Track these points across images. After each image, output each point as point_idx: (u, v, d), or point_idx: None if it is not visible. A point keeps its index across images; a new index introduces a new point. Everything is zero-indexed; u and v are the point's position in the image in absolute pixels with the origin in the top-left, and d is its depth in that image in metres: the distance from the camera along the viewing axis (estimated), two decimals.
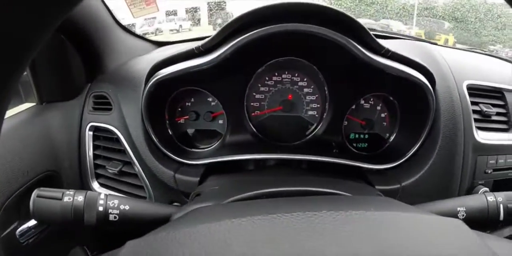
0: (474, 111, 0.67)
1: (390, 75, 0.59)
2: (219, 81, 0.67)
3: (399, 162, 0.64)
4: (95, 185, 0.73)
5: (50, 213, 0.41)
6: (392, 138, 0.71)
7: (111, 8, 0.82)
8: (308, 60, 0.67)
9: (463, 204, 0.47)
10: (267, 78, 0.71)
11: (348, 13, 0.52)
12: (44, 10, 0.16)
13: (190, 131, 0.74)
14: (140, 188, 0.68)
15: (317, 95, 0.71)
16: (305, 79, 0.71)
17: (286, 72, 0.71)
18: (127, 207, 0.43)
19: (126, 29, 0.87)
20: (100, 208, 0.42)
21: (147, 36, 1.01)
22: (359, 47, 0.54)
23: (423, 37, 1.69)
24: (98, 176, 0.73)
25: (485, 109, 0.69)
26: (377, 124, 0.73)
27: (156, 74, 0.62)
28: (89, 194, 0.43)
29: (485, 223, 0.47)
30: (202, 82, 0.68)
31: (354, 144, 0.73)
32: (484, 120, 0.69)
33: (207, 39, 0.58)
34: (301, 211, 0.29)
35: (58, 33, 0.72)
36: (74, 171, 0.73)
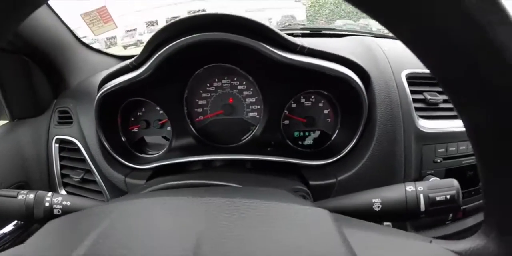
0: (417, 100, 0.66)
1: (315, 72, 0.60)
2: (159, 91, 0.71)
3: (336, 158, 0.64)
4: (63, 193, 0.79)
5: (7, 209, 0.48)
6: (335, 134, 0.72)
7: (72, 27, 0.89)
8: (235, 65, 0.69)
9: (379, 195, 0.45)
10: (208, 84, 0.74)
11: (257, 19, 0.54)
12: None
13: (145, 138, 0.79)
14: (100, 193, 0.74)
15: (256, 97, 0.73)
16: (244, 83, 0.73)
17: (226, 77, 0.74)
18: (68, 203, 0.49)
19: (89, 46, 0.93)
20: (47, 204, 0.48)
21: (129, 48, 1.07)
22: (269, 47, 0.55)
23: None
24: (65, 185, 0.80)
25: (429, 97, 0.67)
26: (321, 121, 0.73)
27: (101, 87, 0.68)
28: (38, 193, 0.49)
29: (405, 215, 0.46)
30: (145, 93, 0.72)
31: (300, 142, 0.74)
32: (430, 108, 0.68)
33: (138, 54, 0.63)
34: (184, 196, 0.35)
35: (22, 55, 0.79)
36: (44, 181, 0.80)
